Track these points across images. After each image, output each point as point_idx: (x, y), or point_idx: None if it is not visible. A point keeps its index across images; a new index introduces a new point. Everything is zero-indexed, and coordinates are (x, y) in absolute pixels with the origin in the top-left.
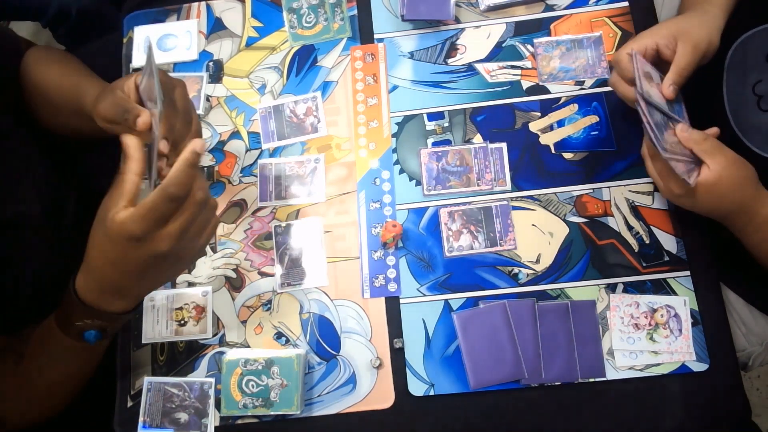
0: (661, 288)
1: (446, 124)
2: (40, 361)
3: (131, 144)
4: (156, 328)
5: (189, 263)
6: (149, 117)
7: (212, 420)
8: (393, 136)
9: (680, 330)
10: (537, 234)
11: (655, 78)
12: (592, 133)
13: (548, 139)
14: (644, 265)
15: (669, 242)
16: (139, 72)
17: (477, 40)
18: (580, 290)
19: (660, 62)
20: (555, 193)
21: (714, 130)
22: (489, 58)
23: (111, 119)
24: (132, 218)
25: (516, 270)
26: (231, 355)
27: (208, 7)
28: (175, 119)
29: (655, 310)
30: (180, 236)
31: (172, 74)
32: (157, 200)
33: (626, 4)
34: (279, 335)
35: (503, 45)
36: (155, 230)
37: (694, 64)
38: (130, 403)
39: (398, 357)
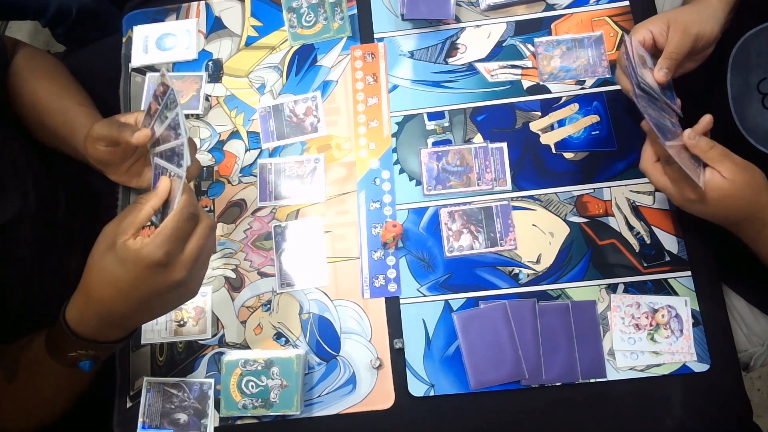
0: (662, 288)
1: (446, 124)
2: (31, 381)
3: (164, 185)
4: (155, 329)
5: (192, 295)
6: (148, 135)
7: (212, 421)
8: (393, 135)
9: (681, 330)
10: (537, 234)
11: (648, 63)
12: (593, 133)
13: (549, 139)
14: (645, 265)
15: (670, 242)
16: (139, 111)
17: (477, 39)
18: (581, 290)
19: (657, 52)
20: (555, 193)
21: (707, 119)
22: (489, 58)
23: (105, 137)
24: (155, 242)
25: (516, 270)
26: (230, 355)
27: (208, 7)
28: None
29: (656, 311)
30: (194, 261)
31: (171, 74)
32: (178, 221)
33: (627, 3)
34: (279, 335)
35: (504, 44)
36: (176, 255)
37: (684, 48)
38: (129, 404)
39: (398, 357)
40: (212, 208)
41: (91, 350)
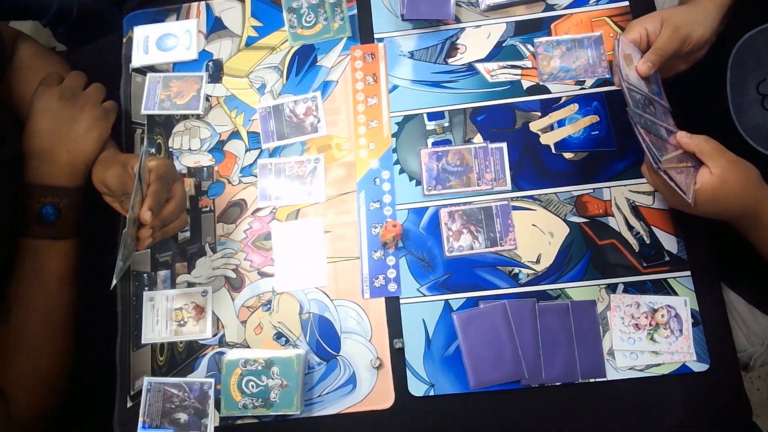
0: (662, 288)
1: (446, 124)
2: (18, 312)
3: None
4: (156, 329)
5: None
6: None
7: (212, 420)
8: (393, 135)
9: (681, 330)
10: (537, 234)
11: (635, 60)
12: (593, 133)
13: (548, 139)
14: (645, 265)
15: (669, 242)
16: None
17: (477, 39)
18: (581, 290)
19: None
20: (555, 193)
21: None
22: (489, 58)
23: (110, 191)
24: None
25: (516, 270)
26: (231, 355)
27: (208, 7)
28: (163, 198)
29: (655, 311)
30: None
31: (171, 74)
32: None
33: (626, 3)
34: (279, 335)
35: (503, 45)
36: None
37: (671, 47)
38: (129, 404)
39: (398, 357)
40: (212, 208)
41: (49, 195)
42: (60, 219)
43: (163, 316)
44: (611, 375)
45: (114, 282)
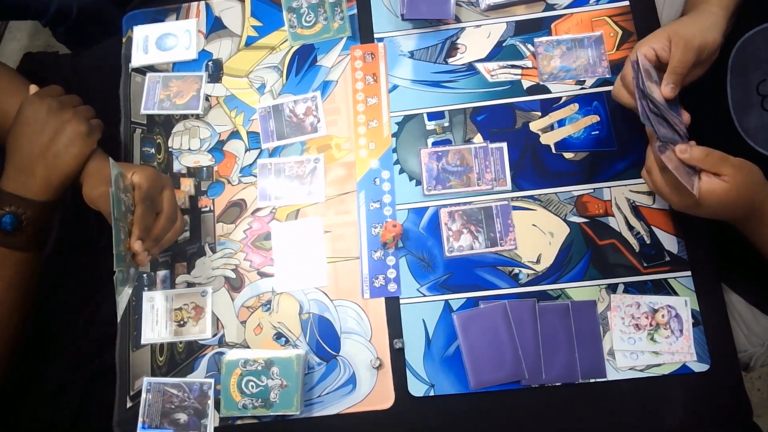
0: (662, 288)
1: (446, 124)
2: None
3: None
4: (155, 329)
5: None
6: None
7: (212, 420)
8: (393, 135)
9: (681, 330)
10: (537, 234)
11: (654, 77)
12: (593, 133)
13: (549, 139)
14: (645, 265)
15: (670, 242)
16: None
17: (477, 39)
18: (581, 290)
19: (661, 67)
20: (555, 193)
21: (686, 118)
22: (489, 58)
23: (100, 211)
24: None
25: (516, 270)
26: (230, 355)
27: (208, 7)
28: (150, 220)
29: (655, 311)
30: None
31: (171, 74)
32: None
33: (627, 3)
34: (279, 335)
35: (504, 44)
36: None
37: (688, 61)
38: (129, 404)
39: (398, 357)
40: (212, 208)
41: (14, 204)
42: (20, 230)
43: (163, 317)
44: (611, 375)
45: (119, 316)
